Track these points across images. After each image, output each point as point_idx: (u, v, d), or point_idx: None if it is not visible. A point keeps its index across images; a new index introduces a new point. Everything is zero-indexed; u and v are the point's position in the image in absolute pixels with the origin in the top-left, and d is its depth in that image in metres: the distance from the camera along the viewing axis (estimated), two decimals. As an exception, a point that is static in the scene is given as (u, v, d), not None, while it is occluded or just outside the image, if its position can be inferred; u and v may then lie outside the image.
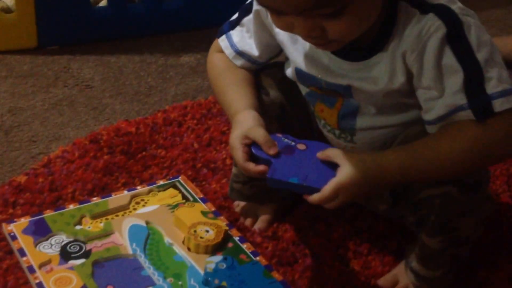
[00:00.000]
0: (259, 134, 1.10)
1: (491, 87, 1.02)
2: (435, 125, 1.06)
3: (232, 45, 1.26)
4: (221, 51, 1.28)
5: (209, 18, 2.22)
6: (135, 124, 1.68)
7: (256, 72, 1.28)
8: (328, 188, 1.04)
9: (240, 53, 1.26)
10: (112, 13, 2.12)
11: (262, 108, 1.22)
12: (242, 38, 1.25)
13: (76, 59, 2.02)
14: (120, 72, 1.98)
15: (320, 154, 1.09)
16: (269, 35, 1.22)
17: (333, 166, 1.07)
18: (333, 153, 1.08)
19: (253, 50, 1.25)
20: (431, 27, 1.03)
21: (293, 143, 1.12)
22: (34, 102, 1.81)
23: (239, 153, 1.11)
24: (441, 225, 1.13)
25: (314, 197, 1.05)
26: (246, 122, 1.14)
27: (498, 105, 1.02)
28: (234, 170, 1.38)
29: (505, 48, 1.79)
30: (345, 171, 1.05)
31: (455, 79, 1.03)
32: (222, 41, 1.28)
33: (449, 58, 1.03)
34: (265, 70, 1.29)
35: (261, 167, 1.08)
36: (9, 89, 1.86)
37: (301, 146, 1.11)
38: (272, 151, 1.09)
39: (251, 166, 1.10)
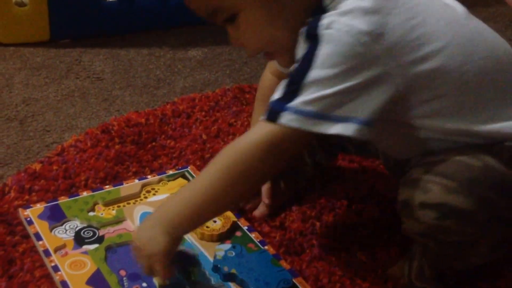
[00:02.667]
0: None
1: (297, 102, 0.99)
2: None
3: None
4: (274, 72, 1.32)
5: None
6: (145, 115, 1.69)
7: None
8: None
9: None
10: (121, 7, 2.15)
11: None
12: None
13: (87, 52, 2.04)
14: (129, 65, 2.00)
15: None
16: None
17: None
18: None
19: None
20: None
21: None
22: (48, 93, 1.83)
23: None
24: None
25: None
26: None
27: (285, 119, 0.99)
28: None
29: None
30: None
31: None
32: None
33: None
34: None
35: None
36: (23, 81, 1.87)
37: None
38: None
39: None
